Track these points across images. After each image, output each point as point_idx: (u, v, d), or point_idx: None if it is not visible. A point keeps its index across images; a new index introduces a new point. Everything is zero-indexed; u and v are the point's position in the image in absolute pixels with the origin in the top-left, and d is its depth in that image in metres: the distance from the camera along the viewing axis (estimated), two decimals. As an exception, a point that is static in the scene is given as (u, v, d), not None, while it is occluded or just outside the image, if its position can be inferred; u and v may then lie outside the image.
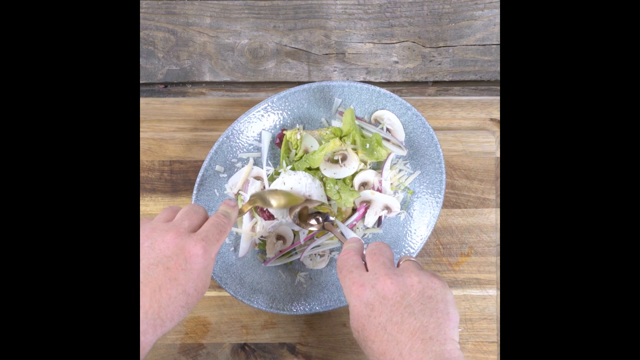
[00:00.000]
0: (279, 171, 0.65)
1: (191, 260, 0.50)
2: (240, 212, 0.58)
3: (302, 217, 0.64)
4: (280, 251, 0.66)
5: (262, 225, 0.65)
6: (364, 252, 0.55)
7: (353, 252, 0.54)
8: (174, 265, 0.49)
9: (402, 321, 0.47)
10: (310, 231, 0.65)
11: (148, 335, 0.48)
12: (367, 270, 0.52)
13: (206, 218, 0.54)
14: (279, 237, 0.66)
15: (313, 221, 0.64)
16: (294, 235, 0.66)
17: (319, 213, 0.64)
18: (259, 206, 0.65)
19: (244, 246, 0.65)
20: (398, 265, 0.53)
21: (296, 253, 0.67)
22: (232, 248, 0.66)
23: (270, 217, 0.65)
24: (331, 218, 0.64)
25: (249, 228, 0.65)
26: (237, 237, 0.66)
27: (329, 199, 0.65)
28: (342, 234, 0.64)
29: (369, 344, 0.48)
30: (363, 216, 0.66)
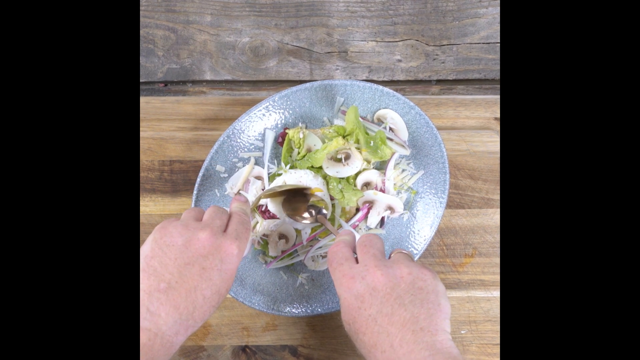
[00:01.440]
0: (280, 172, 0.64)
1: (226, 260, 0.50)
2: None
3: (298, 211, 0.63)
4: (283, 252, 0.65)
5: (263, 225, 0.64)
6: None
7: (343, 244, 0.53)
8: (210, 265, 0.49)
9: (392, 312, 0.47)
10: (312, 229, 0.65)
11: (180, 336, 0.48)
12: (357, 263, 0.51)
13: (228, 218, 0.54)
14: (282, 236, 0.65)
15: (306, 214, 0.63)
16: (296, 234, 0.65)
17: (312, 206, 0.63)
18: (261, 205, 0.64)
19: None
20: (389, 257, 0.53)
21: (298, 255, 0.66)
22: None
23: (271, 216, 0.64)
24: (324, 211, 0.63)
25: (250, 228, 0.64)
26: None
27: (332, 198, 0.64)
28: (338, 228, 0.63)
29: (360, 336, 0.48)
30: (366, 216, 0.65)
